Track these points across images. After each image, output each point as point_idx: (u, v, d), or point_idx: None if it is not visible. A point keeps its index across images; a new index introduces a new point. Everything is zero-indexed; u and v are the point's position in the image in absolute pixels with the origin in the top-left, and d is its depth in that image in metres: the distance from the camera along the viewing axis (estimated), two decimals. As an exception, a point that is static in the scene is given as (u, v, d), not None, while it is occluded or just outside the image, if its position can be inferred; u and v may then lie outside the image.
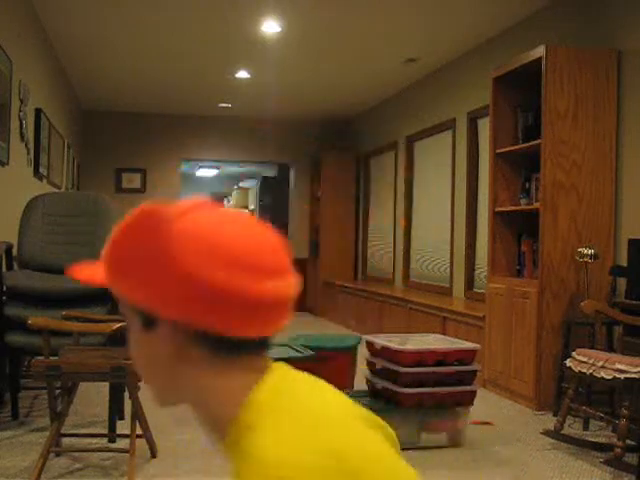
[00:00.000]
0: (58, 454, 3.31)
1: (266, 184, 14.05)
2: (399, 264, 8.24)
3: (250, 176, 15.61)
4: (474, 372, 3.69)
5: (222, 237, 0.78)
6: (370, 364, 3.86)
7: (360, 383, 4.31)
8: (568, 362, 3.63)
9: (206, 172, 14.73)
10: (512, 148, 4.91)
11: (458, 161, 6.75)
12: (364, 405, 0.85)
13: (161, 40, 6.48)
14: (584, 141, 4.49)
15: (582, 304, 3.90)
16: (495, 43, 6.09)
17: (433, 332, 5.51)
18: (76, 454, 3.35)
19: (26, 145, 5.43)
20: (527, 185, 4.92)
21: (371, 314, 7.74)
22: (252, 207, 15.22)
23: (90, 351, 3.30)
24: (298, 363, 4.28)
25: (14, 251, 4.09)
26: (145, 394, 3.91)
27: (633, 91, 4.41)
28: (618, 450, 3.21)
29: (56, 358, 3.11)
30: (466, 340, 4.72)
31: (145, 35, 6.34)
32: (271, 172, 14.25)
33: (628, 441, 3.30)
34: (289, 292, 0.82)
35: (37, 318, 3.10)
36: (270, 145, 10.45)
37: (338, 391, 0.87)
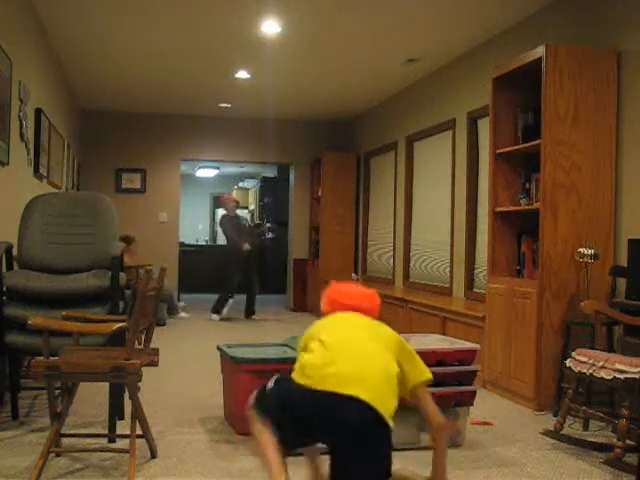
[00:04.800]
0: (58, 454, 3.31)
1: (266, 184, 14.06)
2: (399, 264, 8.24)
3: (250, 176, 15.61)
4: (474, 372, 3.69)
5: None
6: (370, 364, 3.85)
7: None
8: (568, 362, 3.63)
9: (206, 172, 14.72)
10: (512, 148, 4.91)
11: (458, 161, 6.75)
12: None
13: (161, 40, 6.48)
14: (584, 141, 4.49)
15: (582, 304, 3.90)
16: (495, 43, 6.09)
17: (433, 332, 5.51)
18: (76, 454, 3.35)
19: (26, 145, 5.43)
20: (527, 185, 4.92)
21: (371, 314, 7.72)
22: (252, 207, 15.20)
23: (90, 351, 3.30)
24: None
25: (14, 251, 4.09)
26: (145, 394, 3.91)
27: (633, 91, 4.41)
28: (618, 450, 3.22)
29: (56, 358, 3.11)
30: (466, 340, 4.72)
31: (145, 35, 6.33)
32: (271, 172, 14.26)
33: (628, 441, 3.30)
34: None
35: (37, 318, 3.10)
36: (270, 145, 10.45)
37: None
